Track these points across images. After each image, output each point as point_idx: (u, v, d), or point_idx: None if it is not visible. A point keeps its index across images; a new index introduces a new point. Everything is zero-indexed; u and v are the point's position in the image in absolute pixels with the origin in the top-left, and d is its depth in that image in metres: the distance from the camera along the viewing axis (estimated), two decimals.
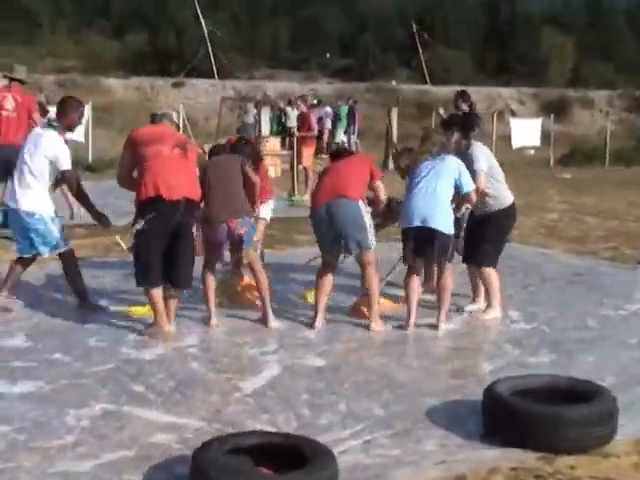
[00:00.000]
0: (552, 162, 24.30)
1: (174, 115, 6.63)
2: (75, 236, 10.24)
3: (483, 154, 6.76)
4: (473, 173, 6.52)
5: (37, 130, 6.92)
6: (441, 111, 9.56)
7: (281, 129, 22.82)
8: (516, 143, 24.70)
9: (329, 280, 6.56)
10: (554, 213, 13.80)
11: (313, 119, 15.19)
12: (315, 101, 28.33)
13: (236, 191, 6.40)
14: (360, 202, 6.45)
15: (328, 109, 26.05)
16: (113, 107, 31.79)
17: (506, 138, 25.23)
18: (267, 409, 4.72)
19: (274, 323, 6.48)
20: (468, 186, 6.42)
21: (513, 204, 6.90)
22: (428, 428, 4.53)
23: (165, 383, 5.11)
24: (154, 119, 6.59)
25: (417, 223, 6.34)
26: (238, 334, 6.27)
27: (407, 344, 6.16)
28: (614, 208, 14.65)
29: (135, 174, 6.18)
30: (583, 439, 4.25)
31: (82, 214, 8.32)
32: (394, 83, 48.58)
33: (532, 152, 26.14)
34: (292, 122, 19.63)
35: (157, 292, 6.03)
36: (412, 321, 6.48)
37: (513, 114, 39.01)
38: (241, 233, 6.30)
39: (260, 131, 22.16)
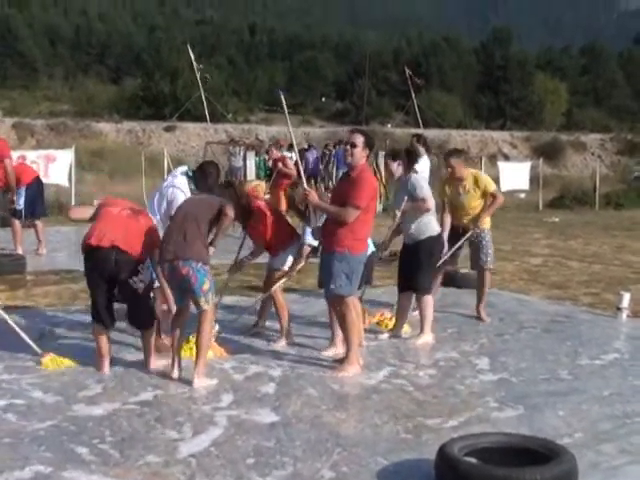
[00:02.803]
0: (541, 205, 24.15)
1: None
2: (44, 282, 10.06)
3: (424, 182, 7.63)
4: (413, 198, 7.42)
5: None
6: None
7: (269, 173, 22.73)
8: (505, 186, 24.56)
9: None
10: (538, 258, 13.60)
11: (289, 162, 15.01)
12: (306, 145, 28.43)
13: (191, 232, 6.11)
14: None
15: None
16: (104, 151, 31.77)
17: (497, 181, 25.14)
18: (208, 471, 4.46)
19: (199, 382, 6.07)
20: None
21: (440, 233, 7.72)
22: None
23: (106, 442, 4.84)
24: None
25: None
26: (194, 388, 6.00)
27: (368, 397, 5.89)
28: (600, 252, 14.47)
29: None
30: None
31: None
32: (389, 126, 48.78)
33: (523, 195, 25.99)
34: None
35: (99, 331, 6.29)
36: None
37: (506, 157, 39.08)
38: (183, 274, 6.02)
39: (246, 174, 22.15)
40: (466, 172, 8.37)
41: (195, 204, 6.34)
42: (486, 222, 8.48)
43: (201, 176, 6.98)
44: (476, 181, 8.33)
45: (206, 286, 6.03)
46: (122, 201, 6.69)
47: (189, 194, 6.88)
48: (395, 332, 7.69)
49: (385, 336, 7.64)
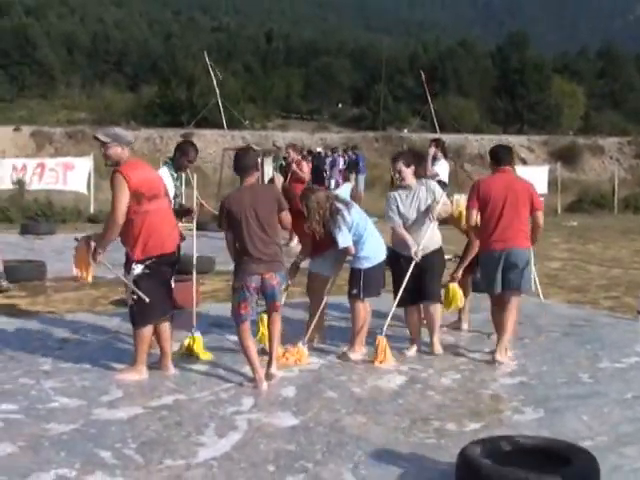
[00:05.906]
0: (559, 209, 24.04)
1: None
2: (64, 289, 10.12)
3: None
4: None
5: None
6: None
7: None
8: None
9: None
10: (557, 262, 13.53)
11: (304, 165, 14.98)
12: (324, 151, 28.49)
13: (272, 243, 6.14)
14: None
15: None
16: None
17: None
18: (229, 474, 4.47)
19: (275, 371, 6.33)
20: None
21: None
22: None
23: (128, 445, 4.87)
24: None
25: None
26: (215, 391, 6.01)
27: (388, 401, 5.89)
28: (619, 256, 14.39)
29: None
30: None
31: None
32: (406, 132, 48.75)
33: (541, 199, 25.82)
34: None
35: (166, 329, 6.42)
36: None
37: (523, 162, 38.92)
38: (274, 285, 6.18)
39: (263, 180, 22.16)
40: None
41: (261, 213, 6.08)
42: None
43: (181, 154, 7.23)
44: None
45: (283, 286, 6.40)
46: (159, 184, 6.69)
47: (171, 184, 7.01)
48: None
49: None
